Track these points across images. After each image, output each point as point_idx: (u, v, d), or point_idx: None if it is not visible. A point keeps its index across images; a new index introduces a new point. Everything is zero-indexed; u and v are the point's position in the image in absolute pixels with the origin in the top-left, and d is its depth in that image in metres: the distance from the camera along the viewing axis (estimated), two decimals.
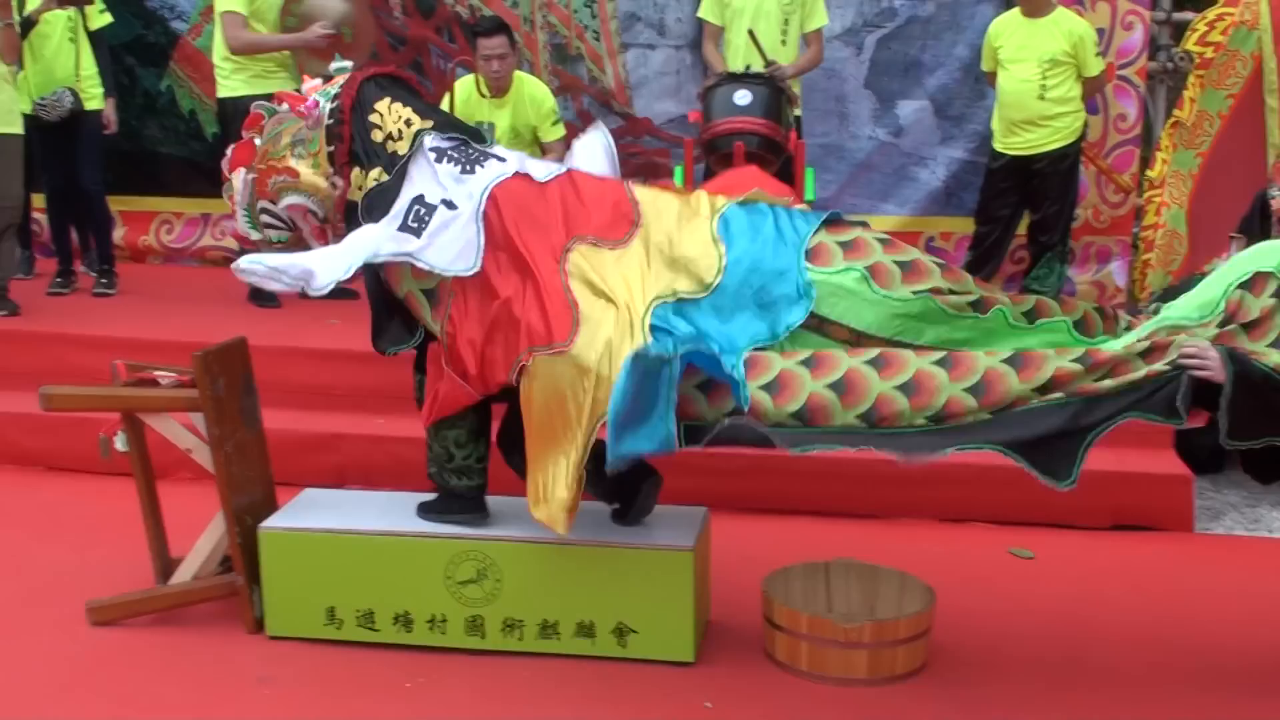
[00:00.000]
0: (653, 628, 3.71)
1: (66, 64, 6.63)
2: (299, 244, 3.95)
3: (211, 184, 7.52)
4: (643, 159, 7.44)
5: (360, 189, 3.82)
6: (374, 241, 3.64)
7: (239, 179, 4.00)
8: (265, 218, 3.98)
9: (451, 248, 3.64)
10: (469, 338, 3.62)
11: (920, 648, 3.72)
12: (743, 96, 5.57)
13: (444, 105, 6.12)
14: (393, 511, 3.96)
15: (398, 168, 3.77)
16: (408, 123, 3.87)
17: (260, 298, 6.61)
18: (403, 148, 3.81)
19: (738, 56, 6.14)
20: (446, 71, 6.69)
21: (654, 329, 3.49)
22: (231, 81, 6.42)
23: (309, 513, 4.00)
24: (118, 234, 7.61)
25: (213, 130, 7.63)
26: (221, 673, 3.71)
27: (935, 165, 7.23)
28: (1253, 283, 3.24)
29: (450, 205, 3.70)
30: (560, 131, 6.40)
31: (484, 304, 3.63)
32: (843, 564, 3.99)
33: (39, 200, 7.30)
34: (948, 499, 4.97)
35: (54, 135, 6.67)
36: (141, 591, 4.02)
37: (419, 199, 3.71)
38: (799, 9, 6.20)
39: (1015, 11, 6.42)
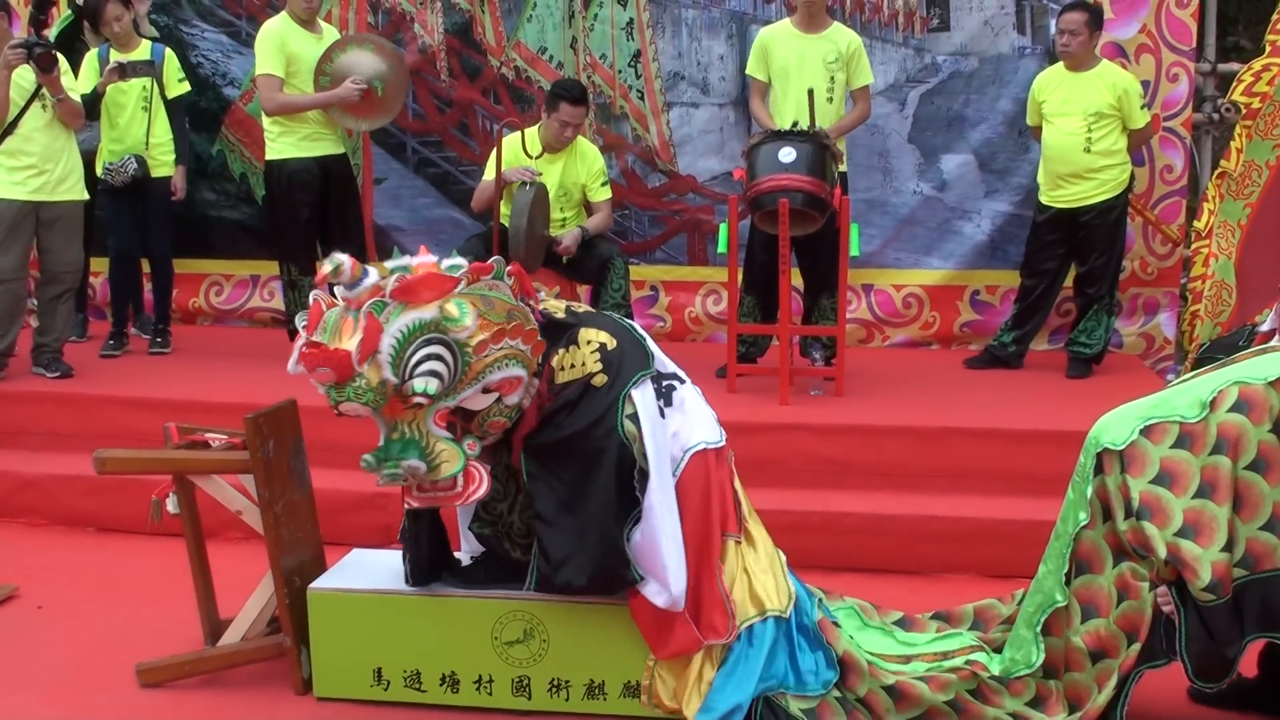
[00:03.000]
0: None
1: (137, 132, 6.79)
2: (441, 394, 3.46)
3: (260, 246, 7.74)
4: (687, 217, 7.47)
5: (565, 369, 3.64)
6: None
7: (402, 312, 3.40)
8: (434, 365, 3.40)
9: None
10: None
11: None
12: (787, 154, 5.59)
13: (490, 164, 6.21)
14: None
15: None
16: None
17: None
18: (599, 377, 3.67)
19: (782, 113, 6.19)
20: (493, 133, 6.75)
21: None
22: (279, 144, 6.48)
23: (357, 573, 4.01)
24: None
25: (263, 193, 7.75)
26: None
27: (980, 219, 7.22)
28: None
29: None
30: (608, 193, 6.43)
31: None
32: None
33: (96, 264, 7.44)
34: (992, 556, 4.91)
35: (122, 200, 6.83)
36: (191, 653, 4.03)
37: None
38: (844, 66, 6.23)
39: (1059, 66, 6.44)
